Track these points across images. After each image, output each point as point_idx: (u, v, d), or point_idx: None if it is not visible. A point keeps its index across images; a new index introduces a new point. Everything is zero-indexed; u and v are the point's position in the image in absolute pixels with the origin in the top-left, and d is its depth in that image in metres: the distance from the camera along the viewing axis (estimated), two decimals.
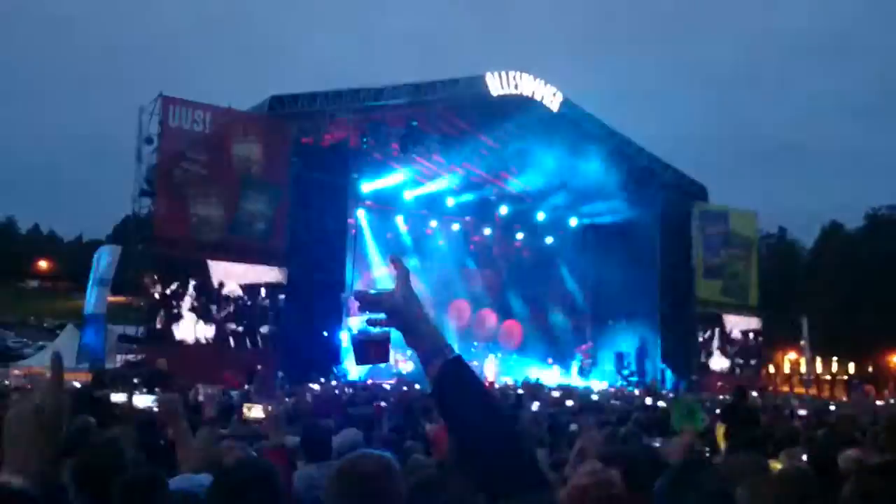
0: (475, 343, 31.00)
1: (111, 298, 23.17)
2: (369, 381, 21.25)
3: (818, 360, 35.60)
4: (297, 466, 4.49)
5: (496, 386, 20.81)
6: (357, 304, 1.69)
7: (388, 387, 18.44)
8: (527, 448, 1.64)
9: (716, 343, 30.10)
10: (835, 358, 37.38)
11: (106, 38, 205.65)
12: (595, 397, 17.95)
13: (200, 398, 5.59)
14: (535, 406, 12.20)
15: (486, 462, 1.56)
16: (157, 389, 8.80)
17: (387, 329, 1.69)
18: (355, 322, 1.72)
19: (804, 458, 5.07)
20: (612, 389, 24.49)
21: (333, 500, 2.14)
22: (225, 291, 22.15)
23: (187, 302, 21.66)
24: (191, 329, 21.58)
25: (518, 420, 4.40)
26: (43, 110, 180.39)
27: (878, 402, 23.87)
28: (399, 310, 1.67)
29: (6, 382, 15.29)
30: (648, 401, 16.14)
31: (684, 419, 5.74)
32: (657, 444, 5.23)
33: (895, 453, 4.06)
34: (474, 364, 28.93)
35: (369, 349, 1.75)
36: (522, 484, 1.55)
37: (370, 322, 1.70)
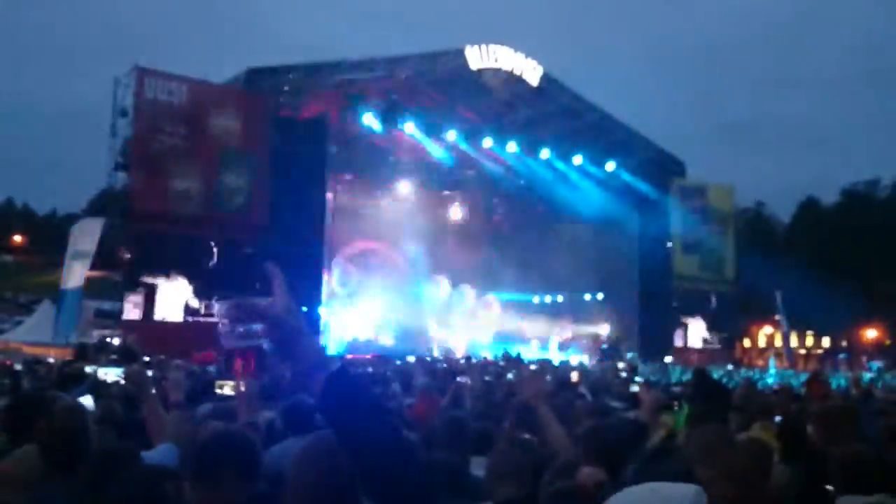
0: (453, 318, 31.13)
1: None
2: (349, 357, 21.29)
3: (793, 334, 36.00)
4: (270, 442, 4.49)
5: (473, 361, 20.86)
6: (230, 314, 1.63)
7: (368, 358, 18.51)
8: (418, 458, 1.64)
9: (691, 317, 30.37)
10: (809, 332, 37.84)
11: (81, 9, 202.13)
12: (574, 374, 18.04)
13: (164, 381, 5.55)
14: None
15: (377, 472, 1.55)
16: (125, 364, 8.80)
17: (260, 342, 1.64)
18: (228, 333, 1.65)
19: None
20: (591, 364, 24.65)
21: (293, 481, 2.21)
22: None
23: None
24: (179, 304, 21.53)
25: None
26: (15, 82, 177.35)
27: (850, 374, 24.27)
28: (280, 322, 1.60)
29: None
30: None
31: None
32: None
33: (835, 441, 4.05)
34: (452, 339, 29.07)
35: (244, 361, 1.70)
36: (412, 493, 1.55)
37: (248, 333, 1.63)
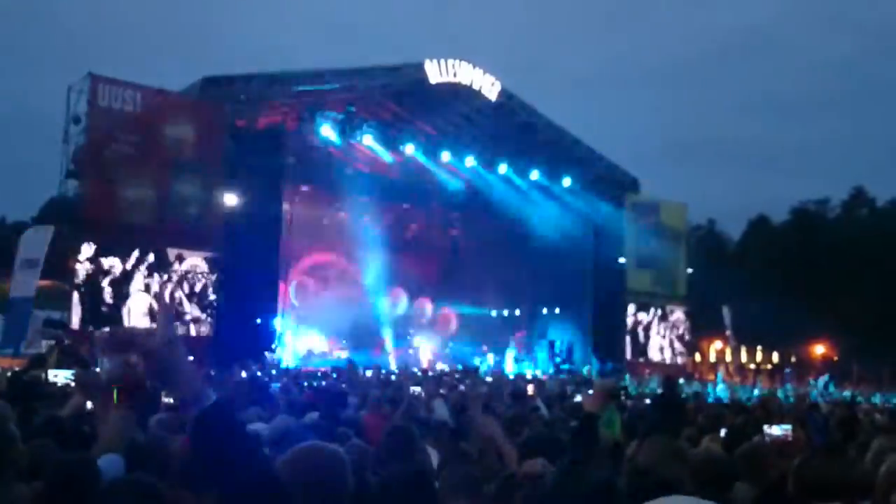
0: (410, 331, 31.10)
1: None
2: (303, 370, 21.13)
3: (743, 350, 36.64)
4: None
5: (430, 373, 20.87)
6: (105, 344, 1.58)
7: (321, 373, 18.39)
8: (286, 493, 1.61)
9: (645, 331, 30.79)
10: (759, 347, 38.49)
11: (34, 13, 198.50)
12: (531, 387, 18.15)
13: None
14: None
15: None
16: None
17: (141, 374, 1.57)
18: (110, 362, 1.57)
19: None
20: (546, 378, 24.81)
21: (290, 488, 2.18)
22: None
23: (138, 281, 21.21)
24: (143, 310, 21.12)
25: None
26: None
27: (801, 390, 24.84)
28: (158, 354, 1.54)
29: None
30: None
31: (604, 426, 5.89)
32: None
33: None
34: (409, 352, 29.05)
35: (124, 394, 1.63)
36: None
37: (124, 365, 1.57)
